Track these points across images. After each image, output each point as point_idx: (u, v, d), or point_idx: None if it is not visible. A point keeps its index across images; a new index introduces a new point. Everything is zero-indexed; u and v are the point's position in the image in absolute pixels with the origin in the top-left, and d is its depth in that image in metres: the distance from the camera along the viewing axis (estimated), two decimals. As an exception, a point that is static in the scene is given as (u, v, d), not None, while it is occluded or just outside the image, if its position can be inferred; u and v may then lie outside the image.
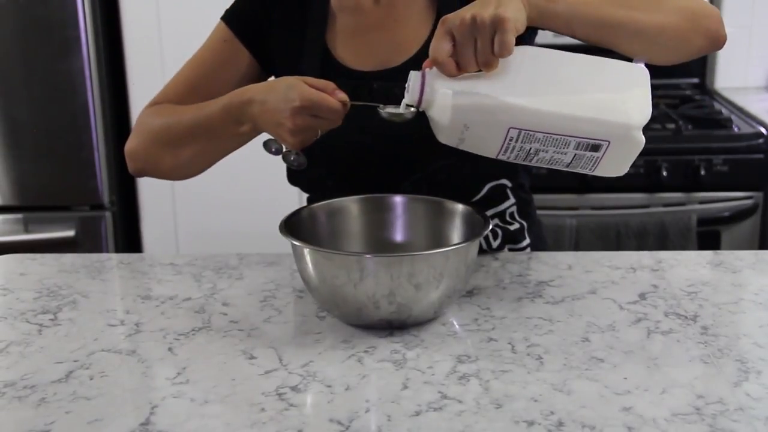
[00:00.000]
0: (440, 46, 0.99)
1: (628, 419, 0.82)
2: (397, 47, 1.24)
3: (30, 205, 2.44)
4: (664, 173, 2.15)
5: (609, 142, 1.00)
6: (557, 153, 1.01)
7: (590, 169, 1.03)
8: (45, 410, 0.85)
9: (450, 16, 0.99)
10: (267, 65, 1.31)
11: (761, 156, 2.19)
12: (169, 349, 0.98)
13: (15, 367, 0.94)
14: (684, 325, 1.02)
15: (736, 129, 2.24)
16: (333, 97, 1.06)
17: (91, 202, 2.42)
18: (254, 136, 1.17)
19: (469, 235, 1.07)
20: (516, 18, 0.97)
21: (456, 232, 1.12)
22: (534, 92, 0.99)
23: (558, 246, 2.14)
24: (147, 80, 2.44)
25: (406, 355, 0.95)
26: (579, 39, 1.09)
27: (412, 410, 0.83)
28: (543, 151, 1.00)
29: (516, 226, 1.29)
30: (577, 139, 0.99)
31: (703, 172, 2.16)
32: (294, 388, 0.88)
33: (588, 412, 0.83)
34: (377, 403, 0.85)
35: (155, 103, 1.31)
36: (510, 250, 1.29)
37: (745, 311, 1.06)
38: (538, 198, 1.41)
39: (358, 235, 1.15)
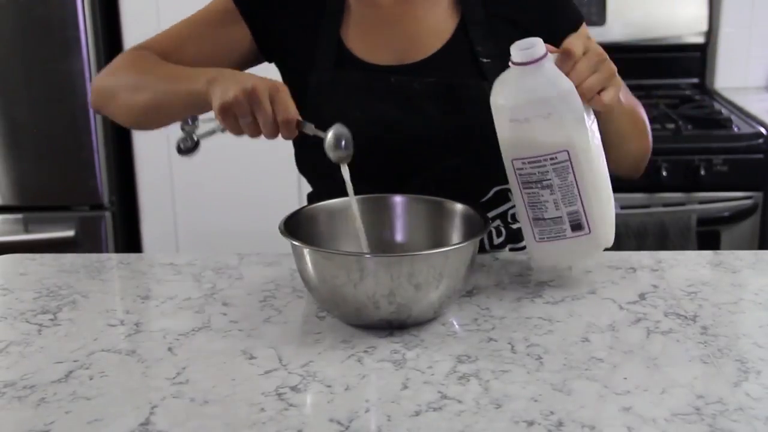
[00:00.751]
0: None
1: (628, 419, 0.82)
2: (416, 44, 1.24)
3: (30, 205, 2.44)
4: (664, 173, 2.15)
5: (588, 234, 1.06)
6: (556, 202, 1.05)
7: (547, 238, 1.08)
8: (45, 410, 0.85)
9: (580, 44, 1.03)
10: (265, 48, 1.29)
11: (761, 156, 2.19)
12: (169, 349, 0.98)
13: (15, 367, 0.94)
14: (684, 325, 1.02)
15: (736, 129, 2.24)
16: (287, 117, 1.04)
17: (91, 202, 2.42)
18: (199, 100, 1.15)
19: (469, 235, 1.08)
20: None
21: (456, 233, 1.11)
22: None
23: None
24: (147, 80, 2.44)
25: (406, 355, 0.95)
26: (606, 125, 1.13)
27: (412, 410, 0.83)
28: (550, 190, 1.04)
29: (517, 225, 1.29)
30: (579, 213, 1.05)
31: (703, 172, 2.16)
32: (294, 388, 0.88)
33: (588, 412, 0.83)
34: (377, 403, 0.85)
35: (141, 47, 1.32)
36: (511, 249, 1.29)
37: (745, 311, 1.06)
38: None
39: (358, 236, 1.14)
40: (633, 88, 2.91)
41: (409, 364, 0.93)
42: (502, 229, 1.28)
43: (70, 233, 2.41)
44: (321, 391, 0.87)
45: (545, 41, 1.04)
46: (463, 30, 1.24)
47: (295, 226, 1.06)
